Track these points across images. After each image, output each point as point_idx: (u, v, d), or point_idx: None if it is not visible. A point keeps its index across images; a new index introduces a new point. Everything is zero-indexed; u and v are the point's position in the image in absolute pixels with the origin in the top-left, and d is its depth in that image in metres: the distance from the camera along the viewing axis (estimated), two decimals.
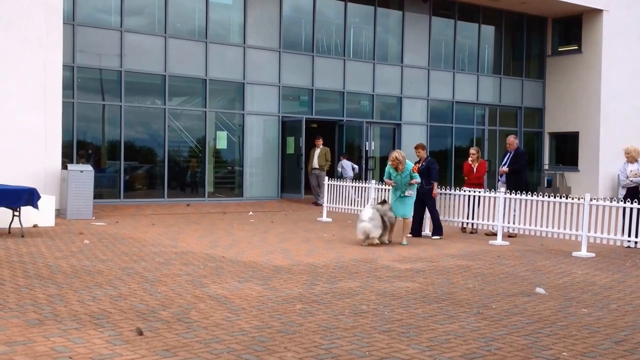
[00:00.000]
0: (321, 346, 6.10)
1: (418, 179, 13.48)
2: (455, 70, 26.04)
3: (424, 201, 14.33)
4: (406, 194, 13.43)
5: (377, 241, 12.78)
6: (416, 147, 14.79)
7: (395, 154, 13.53)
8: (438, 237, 14.24)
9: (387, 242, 13.11)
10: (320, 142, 21.61)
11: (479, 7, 26.26)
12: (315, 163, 21.33)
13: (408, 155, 14.18)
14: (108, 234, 13.51)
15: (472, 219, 14.91)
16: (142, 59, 19.55)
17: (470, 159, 15.66)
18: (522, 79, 27.94)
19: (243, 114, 21.39)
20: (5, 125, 15.71)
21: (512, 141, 15.57)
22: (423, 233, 14.93)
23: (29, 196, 12.96)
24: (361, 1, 23.86)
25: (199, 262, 10.36)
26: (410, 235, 13.98)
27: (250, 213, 18.47)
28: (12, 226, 13.26)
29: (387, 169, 13.72)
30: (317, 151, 21.41)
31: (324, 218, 17.36)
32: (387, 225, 13.00)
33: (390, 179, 13.54)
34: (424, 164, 14.39)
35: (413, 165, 13.65)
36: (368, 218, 12.72)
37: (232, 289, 8.41)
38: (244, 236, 13.72)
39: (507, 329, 6.92)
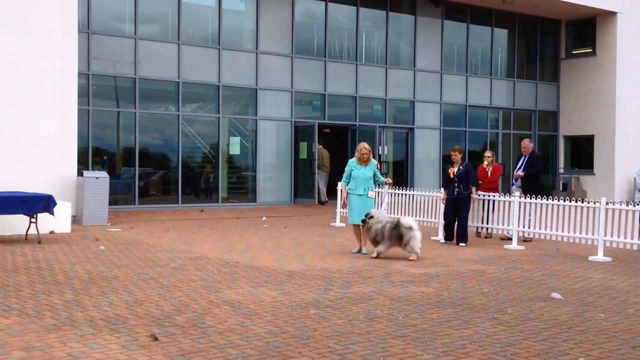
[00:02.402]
0: (336, 351, 6.11)
1: (384, 178, 12.74)
2: (468, 74, 25.99)
3: (459, 206, 13.90)
4: (369, 194, 12.50)
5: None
6: (453, 150, 14.10)
7: (365, 144, 12.62)
8: (464, 244, 13.83)
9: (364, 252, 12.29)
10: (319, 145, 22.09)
11: (492, 10, 26.20)
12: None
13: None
14: (123, 239, 13.56)
15: (487, 223, 14.87)
16: (156, 66, 19.64)
17: (484, 162, 15.57)
18: (536, 82, 27.85)
19: (256, 120, 21.44)
20: (22, 132, 15.81)
21: (527, 145, 15.52)
22: (436, 238, 14.90)
23: (45, 203, 13.04)
24: (373, 6, 23.88)
25: (213, 268, 10.38)
26: (444, 241, 13.57)
27: (264, 218, 18.49)
28: (29, 232, 13.34)
29: (348, 166, 12.69)
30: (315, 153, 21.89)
31: (338, 223, 17.35)
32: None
33: (349, 179, 12.56)
34: (461, 168, 13.87)
35: (377, 162, 12.89)
36: (416, 227, 11.84)
37: (247, 294, 8.43)
38: (257, 241, 13.74)
39: (523, 334, 6.89)
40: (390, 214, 16.66)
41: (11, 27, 15.71)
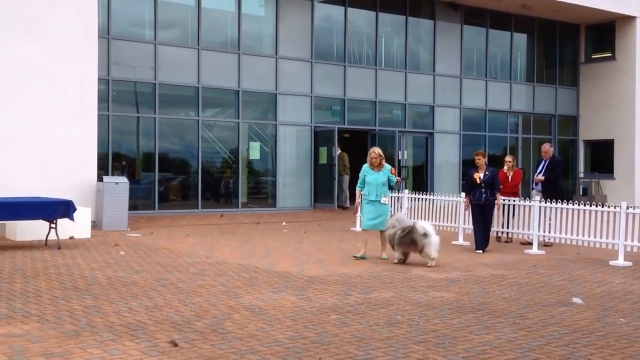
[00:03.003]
0: (356, 357, 6.09)
1: (397, 177, 12.54)
2: (487, 79, 25.89)
3: (486, 212, 13.65)
4: (382, 200, 12.27)
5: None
6: (477, 154, 13.86)
7: (376, 149, 12.54)
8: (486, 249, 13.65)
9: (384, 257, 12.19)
10: (338, 149, 22.08)
11: (511, 15, 26.11)
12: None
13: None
14: (143, 245, 13.61)
15: (508, 227, 14.80)
16: (175, 71, 19.71)
17: (505, 167, 15.48)
18: (555, 87, 27.70)
19: (276, 125, 21.47)
20: (43, 137, 15.91)
21: (548, 149, 15.43)
22: (456, 242, 14.84)
23: (65, 208, 13.10)
24: (392, 11, 23.86)
25: (233, 273, 10.39)
26: (480, 251, 13.38)
27: (284, 223, 18.50)
28: (48, 238, 13.43)
29: (362, 171, 12.57)
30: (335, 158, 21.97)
31: (358, 228, 17.32)
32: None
33: (364, 184, 12.46)
34: (487, 173, 13.61)
35: (391, 167, 12.64)
36: (432, 232, 11.64)
37: (267, 300, 8.42)
38: (277, 246, 13.74)
39: (544, 339, 6.84)
40: (410, 218, 16.61)
41: (32, 35, 15.83)
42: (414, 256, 11.84)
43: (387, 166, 12.53)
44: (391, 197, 17.23)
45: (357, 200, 12.93)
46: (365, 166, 12.58)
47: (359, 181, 12.68)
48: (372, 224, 12.35)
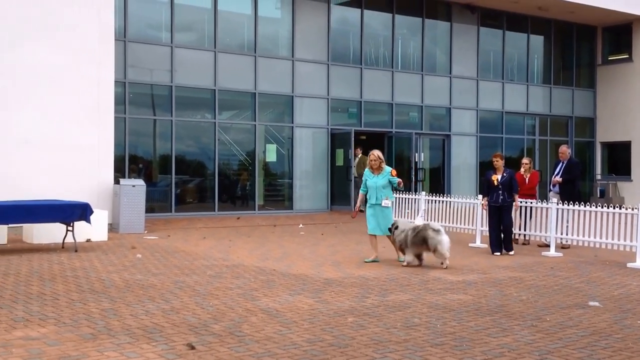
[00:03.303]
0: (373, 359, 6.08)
1: (397, 179, 12.29)
2: (504, 81, 25.81)
3: (503, 215, 13.46)
4: (383, 203, 12.12)
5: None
6: (495, 156, 13.71)
7: (375, 152, 12.40)
8: (506, 252, 13.44)
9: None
10: (359, 151, 22.03)
11: (528, 16, 26.02)
12: (354, 172, 21.68)
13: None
14: (160, 247, 13.64)
15: (525, 230, 14.73)
16: (192, 73, 19.77)
17: (522, 169, 15.40)
18: (572, 89, 27.56)
19: (292, 127, 21.48)
20: (59, 140, 15.98)
21: (565, 150, 15.36)
22: (473, 245, 14.78)
23: (82, 211, 13.15)
24: (408, 13, 23.83)
25: (250, 275, 10.40)
26: (498, 253, 13.31)
27: (301, 225, 18.49)
28: (65, 241, 13.48)
29: (364, 175, 12.51)
30: (356, 160, 21.75)
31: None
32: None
33: (366, 188, 12.31)
34: (505, 175, 13.45)
35: (392, 169, 12.48)
36: (443, 231, 11.59)
37: (284, 302, 8.42)
38: (294, 249, 13.74)
39: (562, 341, 6.80)
40: (427, 220, 16.57)
41: (49, 38, 15.90)
42: (427, 259, 11.79)
43: (387, 168, 12.38)
44: (408, 199, 17.26)
45: (357, 204, 12.92)
46: (366, 170, 12.52)
47: (362, 185, 12.59)
48: (373, 227, 12.26)
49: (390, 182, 12.21)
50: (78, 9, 16.22)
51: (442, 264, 11.53)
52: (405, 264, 11.70)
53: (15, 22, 15.57)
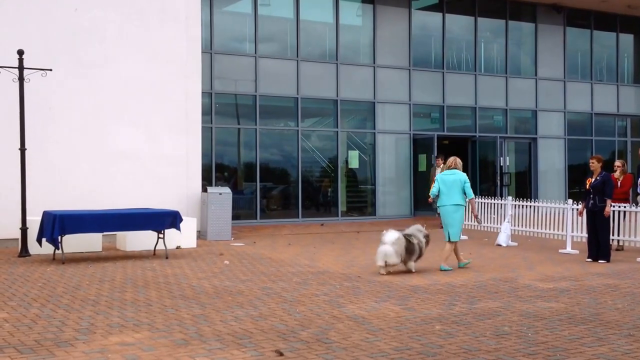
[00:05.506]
0: None
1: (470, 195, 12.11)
2: (593, 81, 25.18)
3: (596, 220, 13.01)
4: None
5: (398, 267, 11.51)
6: (592, 159, 13.39)
7: (455, 158, 12.37)
8: (604, 261, 12.87)
9: (412, 270, 11.62)
10: (440, 161, 19.89)
11: (616, 15, 25.33)
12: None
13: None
14: (247, 254, 13.80)
15: (618, 235, 14.28)
16: (275, 83, 19.99)
17: (616, 172, 14.94)
18: None
19: (374, 133, 21.45)
20: (149, 151, 16.38)
21: None
22: (563, 251, 14.43)
23: (172, 219, 13.44)
24: (491, 15, 23.52)
25: (336, 282, 10.40)
26: (589, 260, 12.95)
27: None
28: (156, 248, 13.78)
29: (436, 180, 12.40)
30: (438, 171, 20.93)
31: (461, 236, 17.05)
32: (414, 250, 11.59)
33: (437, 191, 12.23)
34: (598, 178, 13.06)
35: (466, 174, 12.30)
36: (390, 242, 11.26)
37: (370, 309, 8.39)
38: None
39: None
40: (514, 226, 16.31)
41: (142, 53, 16.33)
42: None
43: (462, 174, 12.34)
44: (496, 204, 17.00)
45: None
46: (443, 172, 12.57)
47: (433, 188, 12.58)
48: (454, 234, 12.28)
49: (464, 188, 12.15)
50: (169, 25, 16.61)
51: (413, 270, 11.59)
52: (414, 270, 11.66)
53: (114, 39, 16.08)
